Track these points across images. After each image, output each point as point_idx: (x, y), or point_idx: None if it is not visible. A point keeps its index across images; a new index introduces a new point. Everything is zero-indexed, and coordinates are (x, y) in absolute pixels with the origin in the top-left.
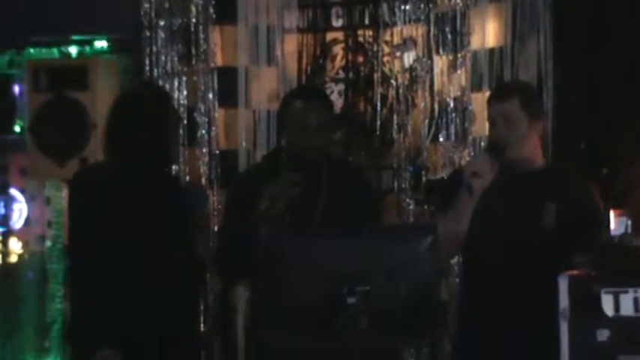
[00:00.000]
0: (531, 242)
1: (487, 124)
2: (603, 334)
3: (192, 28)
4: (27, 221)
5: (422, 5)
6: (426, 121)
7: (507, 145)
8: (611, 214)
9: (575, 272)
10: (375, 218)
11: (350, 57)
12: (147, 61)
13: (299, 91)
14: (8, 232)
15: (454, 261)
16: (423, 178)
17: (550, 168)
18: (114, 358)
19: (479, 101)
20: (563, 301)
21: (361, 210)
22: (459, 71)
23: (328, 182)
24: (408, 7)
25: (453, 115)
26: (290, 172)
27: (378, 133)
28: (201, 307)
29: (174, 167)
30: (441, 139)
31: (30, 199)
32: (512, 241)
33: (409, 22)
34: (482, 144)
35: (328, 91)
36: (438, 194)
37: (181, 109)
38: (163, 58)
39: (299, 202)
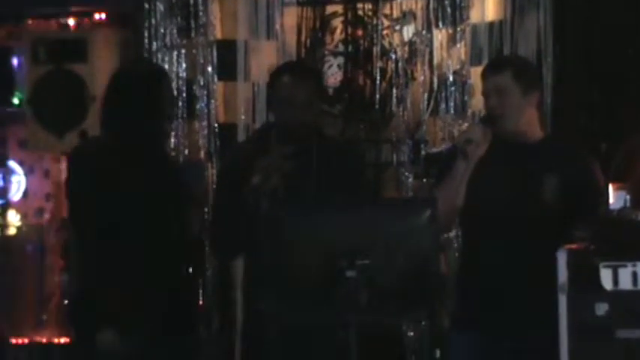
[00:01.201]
0: (531, 214)
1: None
2: (602, 308)
3: (192, 1)
4: (25, 194)
5: None
6: (426, 94)
7: (502, 117)
8: (610, 188)
9: (574, 246)
10: (369, 190)
11: (349, 30)
12: (146, 34)
13: (287, 66)
14: (7, 205)
15: (453, 234)
16: (423, 152)
17: (549, 140)
18: (114, 341)
19: (478, 75)
20: (562, 274)
21: (353, 184)
22: (458, 45)
23: (319, 156)
24: None
25: (452, 88)
26: (280, 147)
27: (377, 106)
28: (200, 282)
29: (173, 141)
30: (441, 113)
31: (28, 172)
32: (511, 212)
33: None
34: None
35: (327, 65)
36: (437, 168)
37: (180, 82)
38: (162, 30)
39: (292, 176)
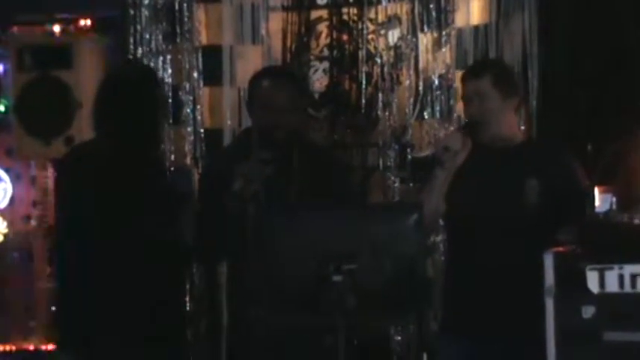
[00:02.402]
0: (513, 218)
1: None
2: (588, 311)
3: (177, 7)
4: (12, 201)
5: None
6: (411, 98)
7: (483, 123)
8: (596, 190)
9: (560, 249)
10: (354, 194)
11: (335, 35)
12: (131, 40)
13: (266, 71)
14: None
15: (439, 238)
16: (409, 156)
17: (530, 143)
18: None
19: None
20: (549, 278)
21: (337, 187)
22: (443, 49)
23: (299, 161)
24: None
25: (438, 92)
26: (260, 152)
27: (363, 111)
28: (187, 287)
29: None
30: (426, 117)
31: (15, 179)
32: (494, 217)
33: None
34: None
35: (313, 69)
36: (423, 173)
37: (166, 88)
38: (148, 36)
39: (272, 181)
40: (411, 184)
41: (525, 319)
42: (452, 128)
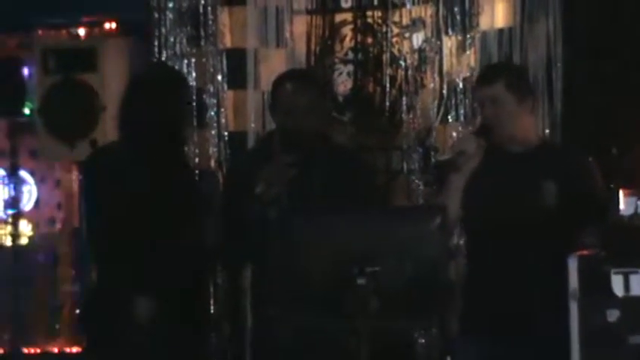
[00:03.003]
0: (532, 220)
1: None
2: (613, 315)
3: (201, 10)
4: (37, 203)
5: None
6: (435, 101)
7: (498, 127)
8: (621, 193)
9: (584, 252)
10: (377, 197)
11: (359, 38)
12: (156, 43)
13: (288, 74)
14: (18, 215)
15: (462, 241)
16: (433, 159)
17: (546, 145)
18: (150, 307)
19: None
20: (573, 281)
21: (360, 189)
22: (467, 52)
23: (323, 163)
24: None
25: (462, 95)
26: (283, 155)
27: (387, 114)
28: (211, 290)
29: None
30: (450, 120)
31: (40, 181)
32: (512, 220)
33: (418, 2)
34: None
35: (337, 73)
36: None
37: (190, 91)
38: (172, 39)
39: (295, 184)
40: (435, 187)
41: (544, 320)
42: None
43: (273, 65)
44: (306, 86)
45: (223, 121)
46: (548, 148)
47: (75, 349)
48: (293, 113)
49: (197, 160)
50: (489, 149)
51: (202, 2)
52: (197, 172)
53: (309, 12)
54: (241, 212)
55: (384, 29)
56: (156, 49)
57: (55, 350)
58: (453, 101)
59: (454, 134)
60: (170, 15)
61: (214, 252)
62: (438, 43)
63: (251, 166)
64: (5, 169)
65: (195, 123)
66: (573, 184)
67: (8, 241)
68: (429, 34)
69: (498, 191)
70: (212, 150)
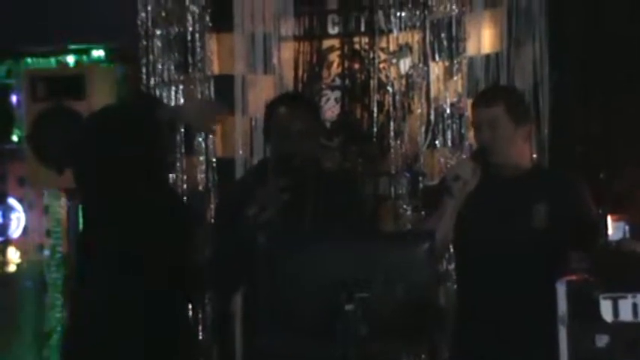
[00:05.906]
0: (523, 244)
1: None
2: (602, 340)
3: (189, 37)
4: (25, 230)
5: (417, 12)
6: (423, 127)
7: (494, 151)
8: (609, 219)
9: (573, 277)
10: (367, 223)
11: (346, 64)
12: (144, 70)
13: (282, 98)
14: (6, 242)
15: (452, 267)
16: (420, 185)
17: (537, 170)
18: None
19: None
20: (562, 306)
21: (352, 215)
22: (455, 77)
23: (316, 188)
24: (403, 14)
25: (450, 121)
26: (277, 179)
27: (374, 139)
28: (200, 315)
29: (171, 176)
30: (438, 145)
31: (28, 208)
32: (503, 244)
33: (405, 28)
34: None
35: (324, 98)
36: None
37: None
38: (160, 66)
39: (288, 209)
40: (423, 213)
41: (536, 345)
42: (463, 156)
43: (260, 91)
44: (301, 109)
45: (211, 147)
46: (540, 172)
47: None
48: (289, 137)
49: (185, 186)
50: (484, 174)
51: (190, 29)
52: (187, 195)
53: (296, 38)
54: (235, 237)
55: (372, 55)
56: (144, 76)
57: None
58: (441, 126)
59: (442, 159)
60: (158, 42)
61: (200, 272)
62: (425, 68)
63: (245, 192)
64: None
65: (183, 149)
66: (565, 208)
67: None
68: (416, 60)
69: (491, 216)
70: (200, 176)
